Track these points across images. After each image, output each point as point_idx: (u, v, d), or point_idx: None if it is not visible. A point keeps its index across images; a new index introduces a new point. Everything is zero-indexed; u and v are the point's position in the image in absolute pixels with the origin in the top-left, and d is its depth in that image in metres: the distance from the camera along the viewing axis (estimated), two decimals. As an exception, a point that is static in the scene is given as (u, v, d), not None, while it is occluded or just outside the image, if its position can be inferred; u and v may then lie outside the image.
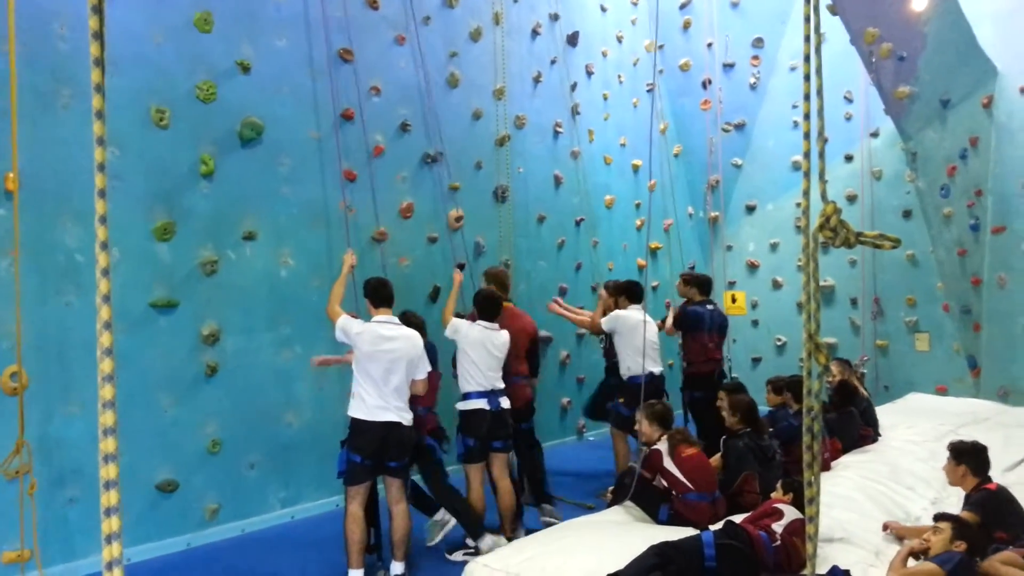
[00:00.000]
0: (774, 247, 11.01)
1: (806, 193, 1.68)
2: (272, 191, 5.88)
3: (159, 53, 5.25)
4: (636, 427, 5.22)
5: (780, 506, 4.07)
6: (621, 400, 6.65)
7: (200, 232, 5.44)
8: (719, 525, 4.05)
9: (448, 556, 5.21)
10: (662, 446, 4.72)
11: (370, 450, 4.46)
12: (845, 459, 5.87)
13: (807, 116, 1.68)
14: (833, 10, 7.97)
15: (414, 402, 4.78)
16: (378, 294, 4.76)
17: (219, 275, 5.51)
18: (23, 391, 4.32)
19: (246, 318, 5.69)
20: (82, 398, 4.77)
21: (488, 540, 4.92)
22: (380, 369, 4.52)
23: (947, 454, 4.37)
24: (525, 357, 5.93)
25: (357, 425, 4.50)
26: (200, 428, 5.39)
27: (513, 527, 5.39)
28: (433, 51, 7.25)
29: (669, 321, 7.19)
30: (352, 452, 4.49)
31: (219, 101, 5.55)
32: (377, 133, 6.68)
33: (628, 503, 4.81)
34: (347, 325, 4.59)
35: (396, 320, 4.76)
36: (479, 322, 5.38)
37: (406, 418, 4.60)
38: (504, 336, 5.38)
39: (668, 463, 4.66)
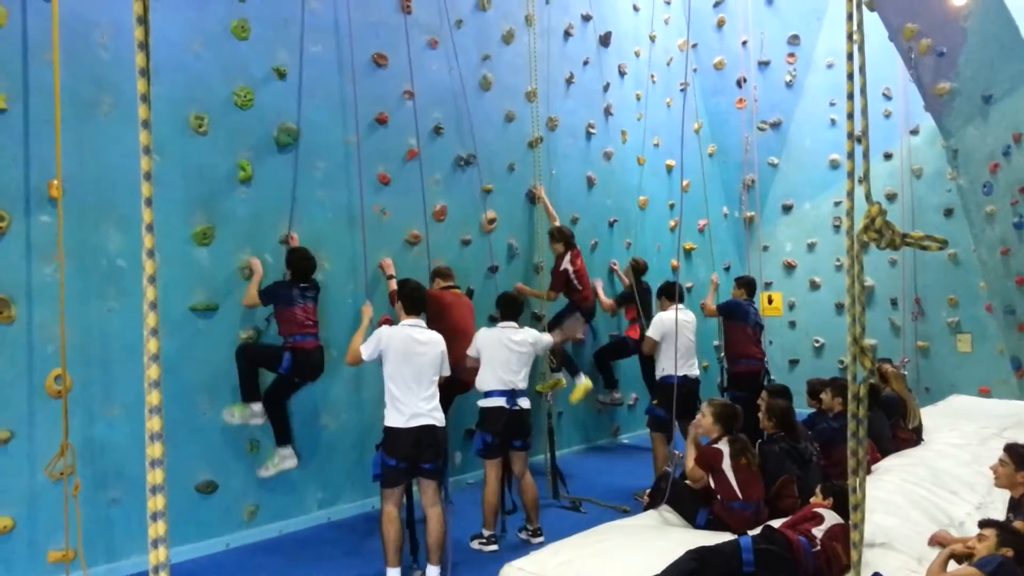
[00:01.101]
0: (811, 247, 10.86)
1: (850, 194, 1.65)
2: (308, 195, 5.94)
3: (198, 61, 5.33)
4: (696, 419, 5.16)
5: (820, 511, 4.01)
6: (655, 402, 6.69)
7: (238, 236, 5.51)
8: (757, 530, 3.99)
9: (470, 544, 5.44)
10: (724, 447, 4.65)
11: (404, 453, 4.54)
12: (885, 463, 5.77)
13: (850, 115, 1.65)
14: (871, 6, 7.79)
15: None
16: (413, 300, 4.93)
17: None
18: (67, 394, 4.42)
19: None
20: (124, 400, 4.86)
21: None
22: (412, 371, 4.63)
23: (1001, 455, 4.26)
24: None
25: (391, 432, 4.59)
26: (239, 430, 5.45)
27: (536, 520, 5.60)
28: (466, 54, 7.27)
29: (710, 300, 7.57)
30: (387, 455, 4.55)
31: (256, 107, 5.62)
32: (410, 136, 6.71)
33: (665, 507, 4.78)
34: (378, 335, 4.73)
35: (423, 324, 4.91)
36: (500, 323, 5.65)
37: (439, 419, 4.69)
38: (523, 334, 5.62)
39: (727, 465, 4.60)
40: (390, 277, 6.17)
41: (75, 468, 4.31)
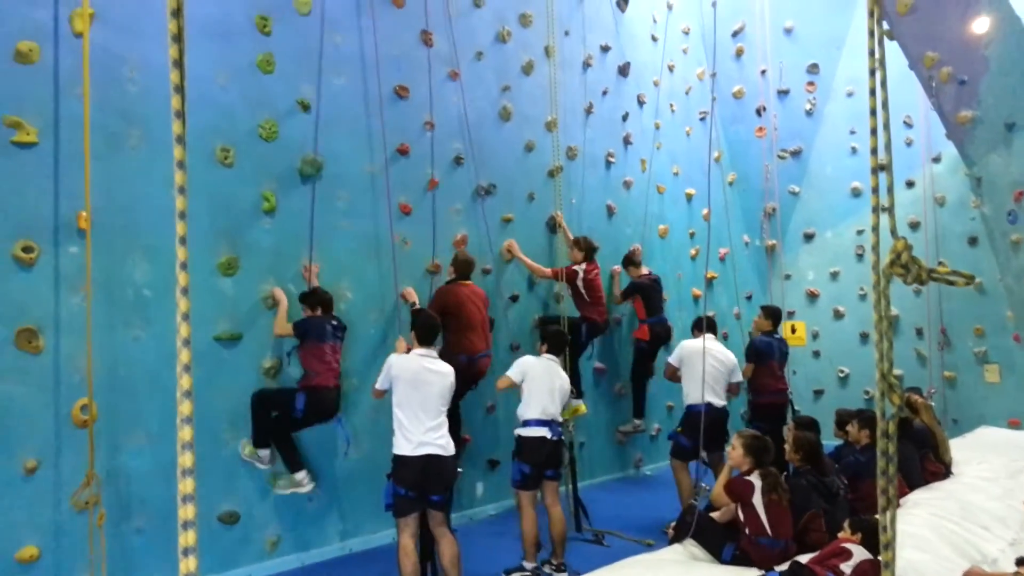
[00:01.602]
0: (834, 276, 10.78)
1: (875, 229, 1.64)
2: (331, 225, 6.00)
3: (224, 94, 5.43)
4: (727, 450, 5.12)
5: (848, 546, 3.94)
6: (679, 430, 6.65)
7: (262, 267, 5.57)
8: (785, 566, 3.93)
9: None
10: (756, 481, 4.59)
11: (412, 481, 4.53)
12: (914, 496, 5.66)
13: (874, 151, 1.65)
14: (890, 35, 7.84)
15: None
16: (426, 330, 4.94)
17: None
18: (92, 423, 4.46)
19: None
20: (148, 430, 4.89)
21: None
22: (420, 399, 4.64)
23: None
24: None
25: (398, 460, 4.60)
26: (260, 460, 5.46)
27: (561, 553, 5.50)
28: (486, 85, 7.35)
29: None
30: (396, 484, 4.56)
31: (280, 139, 5.70)
32: (432, 167, 6.78)
33: (690, 541, 4.72)
34: (387, 364, 4.80)
35: (435, 354, 4.92)
36: (547, 355, 5.64)
37: (446, 447, 4.69)
38: (564, 375, 5.65)
39: (757, 500, 4.54)
40: (413, 304, 6.20)
41: (100, 498, 4.33)
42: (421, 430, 4.58)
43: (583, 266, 7.47)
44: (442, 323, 5.37)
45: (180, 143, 1.22)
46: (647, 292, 8.11)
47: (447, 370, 4.84)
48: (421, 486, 4.56)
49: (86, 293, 4.54)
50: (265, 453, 5.36)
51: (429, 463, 4.56)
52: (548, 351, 5.68)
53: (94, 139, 4.60)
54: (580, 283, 7.44)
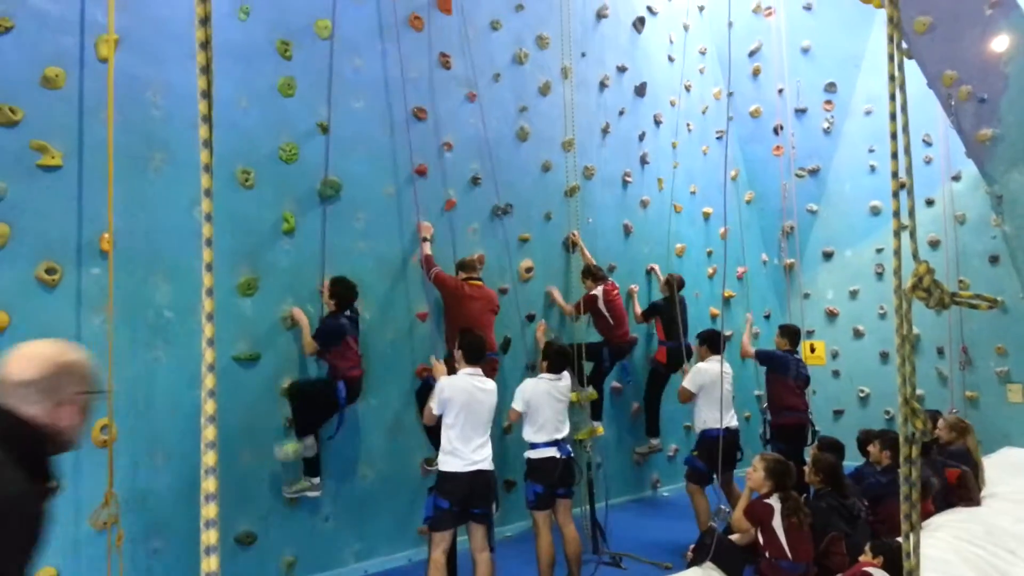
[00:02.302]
0: (854, 295, 10.69)
1: (896, 252, 1.64)
2: (349, 246, 6.04)
3: (245, 117, 5.49)
4: (746, 472, 5.07)
5: (870, 570, 3.88)
6: (695, 453, 6.60)
7: (281, 287, 5.60)
8: (806, 589, 3.88)
9: None
10: (775, 503, 4.55)
11: (458, 496, 4.58)
12: (937, 519, 5.57)
13: (895, 174, 1.64)
14: (908, 54, 7.82)
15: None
16: (473, 351, 5.01)
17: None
18: (112, 444, 4.49)
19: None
20: (167, 450, 4.92)
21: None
22: (472, 421, 4.74)
23: None
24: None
25: (446, 475, 4.65)
26: (278, 480, 5.48)
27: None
28: (503, 106, 7.40)
29: (747, 340, 7.52)
30: (440, 497, 4.61)
31: (300, 161, 5.76)
32: (449, 187, 6.82)
33: (709, 564, 4.66)
34: (439, 389, 4.86)
35: (481, 372, 4.99)
36: (546, 375, 5.59)
37: (489, 463, 4.81)
38: (565, 381, 5.65)
39: (777, 523, 4.49)
40: (424, 240, 6.36)
41: (118, 518, 4.35)
42: (471, 448, 4.70)
43: (600, 288, 7.47)
44: (444, 315, 5.73)
45: (207, 172, 1.24)
46: (667, 314, 8.07)
47: (492, 387, 4.99)
48: (466, 500, 4.65)
49: (108, 314, 4.59)
50: (310, 440, 5.43)
51: (476, 478, 4.67)
52: (548, 369, 5.63)
53: (117, 162, 4.67)
54: (602, 305, 7.43)
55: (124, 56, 4.86)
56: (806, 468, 5.22)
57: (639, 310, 8.46)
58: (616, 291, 7.65)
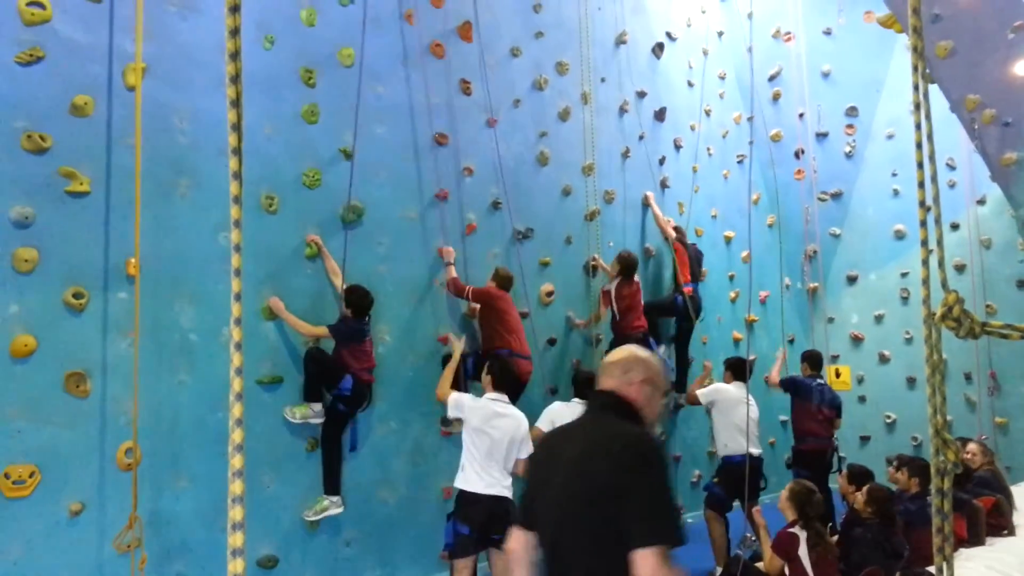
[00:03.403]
0: (879, 319, 10.58)
1: (925, 282, 1.62)
2: (371, 270, 6.07)
3: (269, 144, 5.57)
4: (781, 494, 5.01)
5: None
6: (715, 480, 6.53)
7: (304, 311, 5.62)
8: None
9: None
10: (800, 533, 4.49)
11: (478, 521, 4.55)
12: (968, 549, 5.45)
13: (922, 203, 1.63)
14: (930, 79, 7.78)
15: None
16: (503, 377, 5.05)
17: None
18: (136, 467, 4.51)
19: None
20: (190, 473, 4.93)
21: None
22: (488, 444, 4.73)
23: None
24: None
25: (465, 497, 4.65)
26: (300, 504, 5.47)
27: None
28: (523, 131, 7.45)
29: (775, 373, 7.47)
30: (460, 523, 4.59)
31: (323, 187, 5.82)
32: (470, 212, 6.85)
33: (734, 593, 4.60)
34: (460, 399, 4.91)
35: (507, 399, 5.00)
36: (575, 400, 5.65)
37: (510, 490, 4.80)
38: None
39: (803, 552, 4.42)
40: (448, 264, 6.43)
41: (142, 541, 4.36)
42: (487, 472, 4.70)
43: (615, 283, 7.51)
44: (480, 320, 5.64)
45: (237, 203, 1.26)
46: (689, 262, 8.14)
47: (515, 414, 4.92)
48: (485, 526, 4.61)
49: (134, 338, 4.64)
50: (318, 407, 5.44)
51: (496, 503, 4.65)
52: (576, 395, 5.74)
53: (144, 187, 4.74)
54: (613, 300, 7.45)
55: (151, 83, 4.95)
56: (859, 496, 5.14)
57: (659, 213, 8.59)
58: (631, 288, 7.56)
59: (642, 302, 7.71)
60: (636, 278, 7.67)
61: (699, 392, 6.73)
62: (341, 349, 5.52)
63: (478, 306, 6.52)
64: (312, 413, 5.43)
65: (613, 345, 7.49)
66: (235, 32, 1.12)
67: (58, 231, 4.55)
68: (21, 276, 4.39)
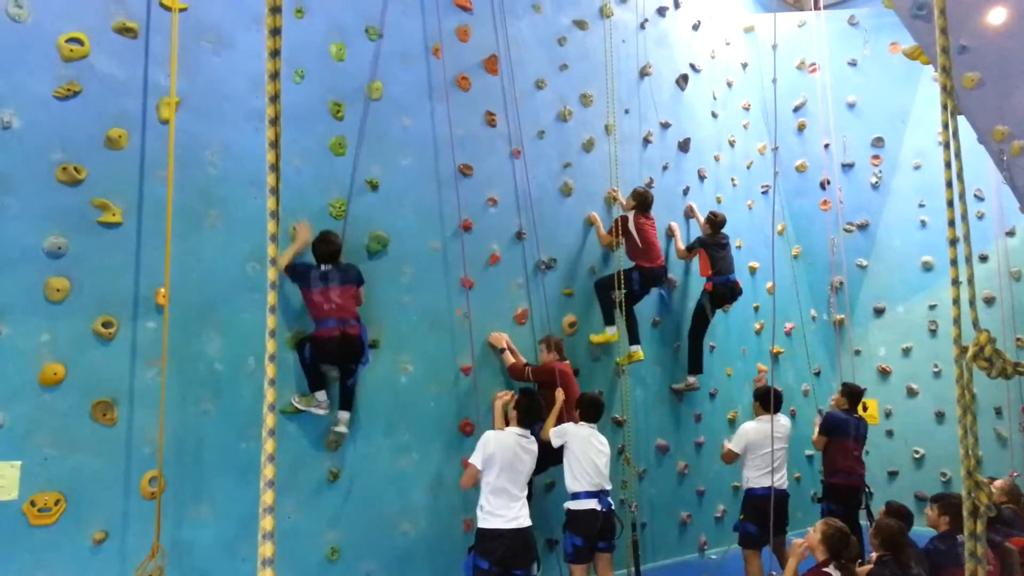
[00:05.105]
0: (906, 352, 10.42)
1: (956, 321, 1.61)
2: (394, 300, 6.11)
3: (297, 175, 5.65)
4: (807, 533, 4.92)
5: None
6: (743, 517, 6.45)
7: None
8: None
9: None
10: (833, 572, 4.42)
11: (498, 556, 4.53)
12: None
13: (952, 242, 1.62)
14: (957, 110, 7.75)
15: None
16: (530, 414, 5.19)
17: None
18: (160, 495, 4.54)
19: (367, 424, 5.82)
20: (213, 502, 4.95)
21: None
22: (513, 478, 4.82)
23: None
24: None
25: (487, 532, 4.60)
26: (321, 535, 5.47)
27: None
28: (547, 162, 7.49)
29: (817, 435, 7.38)
30: (480, 558, 4.57)
31: (349, 217, 5.89)
32: (493, 242, 6.89)
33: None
34: (478, 449, 4.99)
35: (529, 433, 5.11)
36: (583, 423, 5.69)
37: (528, 519, 4.89)
38: (604, 441, 5.75)
39: None
40: (503, 351, 6.49)
41: (164, 570, 4.37)
42: (512, 508, 4.77)
43: (633, 213, 7.48)
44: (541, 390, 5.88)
45: (274, 241, 1.28)
46: (711, 249, 8.09)
47: (535, 449, 5.13)
48: (506, 560, 4.60)
49: (161, 367, 4.69)
50: (322, 395, 5.40)
51: (518, 536, 4.70)
52: (582, 417, 5.73)
53: (174, 219, 4.83)
54: (632, 228, 7.39)
55: (183, 116, 5.06)
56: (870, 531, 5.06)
57: (681, 246, 8.49)
58: (649, 221, 7.59)
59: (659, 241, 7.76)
60: (651, 214, 7.68)
61: (731, 444, 6.67)
62: (304, 292, 5.36)
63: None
64: (316, 402, 5.40)
65: (639, 280, 7.42)
66: (275, 76, 1.15)
67: (89, 261, 4.64)
68: (53, 305, 4.48)
